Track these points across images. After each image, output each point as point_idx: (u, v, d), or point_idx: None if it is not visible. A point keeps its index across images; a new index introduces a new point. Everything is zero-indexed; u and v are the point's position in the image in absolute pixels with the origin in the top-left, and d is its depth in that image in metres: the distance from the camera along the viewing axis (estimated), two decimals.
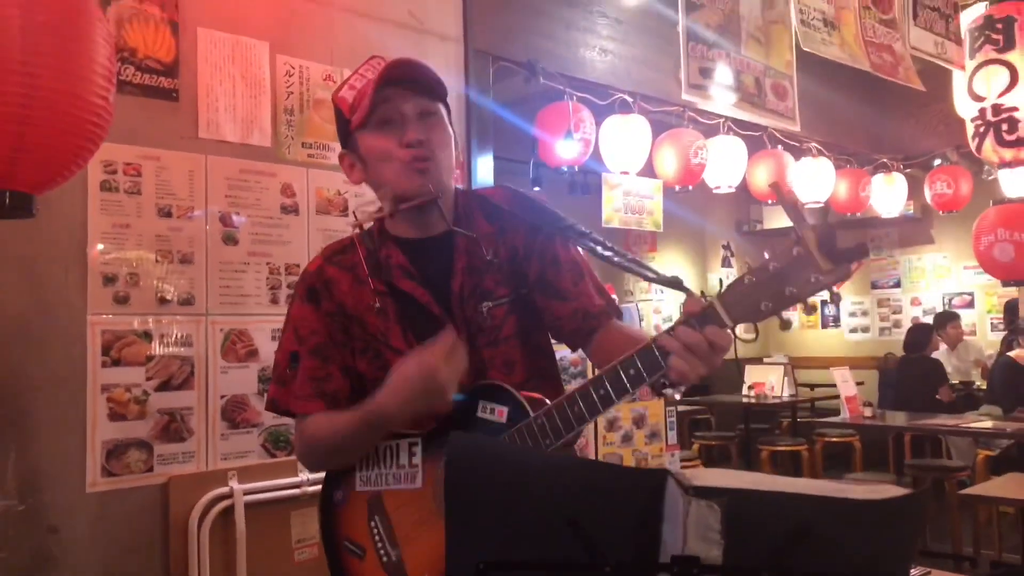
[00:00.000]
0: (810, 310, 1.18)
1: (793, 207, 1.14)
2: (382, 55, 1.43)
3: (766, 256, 1.15)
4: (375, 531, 1.47)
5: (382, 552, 1.45)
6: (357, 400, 1.48)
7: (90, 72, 1.60)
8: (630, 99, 4.02)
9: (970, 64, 4.31)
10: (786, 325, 1.18)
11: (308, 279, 1.55)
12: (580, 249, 1.57)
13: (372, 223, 1.56)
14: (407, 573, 1.43)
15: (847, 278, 1.13)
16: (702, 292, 1.24)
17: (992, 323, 8.26)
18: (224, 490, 2.49)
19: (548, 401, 1.36)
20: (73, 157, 1.66)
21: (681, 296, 1.27)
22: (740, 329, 1.21)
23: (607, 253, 1.46)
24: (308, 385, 1.49)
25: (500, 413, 1.38)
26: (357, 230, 1.55)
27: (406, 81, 1.46)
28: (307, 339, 1.51)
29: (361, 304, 1.50)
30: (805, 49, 3.54)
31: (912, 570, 1.69)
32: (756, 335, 1.23)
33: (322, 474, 2.64)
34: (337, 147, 2.82)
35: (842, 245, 1.10)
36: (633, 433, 3.87)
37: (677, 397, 1.27)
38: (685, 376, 1.22)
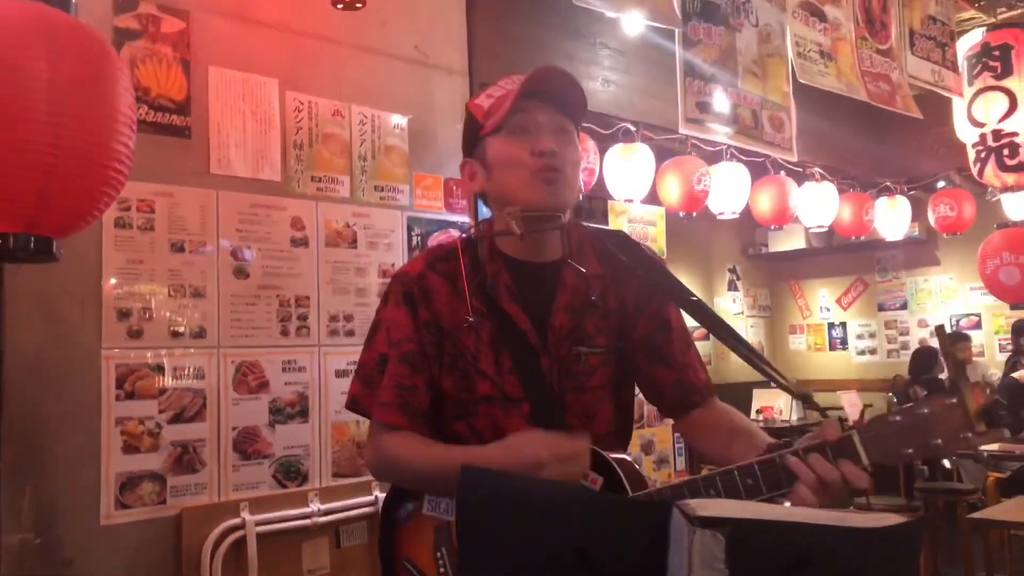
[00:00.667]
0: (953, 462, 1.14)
1: (956, 362, 1.13)
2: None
3: (922, 399, 1.13)
4: (440, 560, 1.41)
5: None
6: (436, 415, 1.45)
7: (113, 121, 1.65)
8: (633, 128, 4.08)
9: (968, 91, 4.37)
10: (921, 475, 1.16)
11: (407, 283, 1.47)
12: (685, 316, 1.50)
13: (475, 233, 1.51)
14: None
15: (998, 442, 1.12)
16: (840, 419, 1.22)
17: (1000, 344, 8.24)
18: (236, 521, 2.51)
19: (630, 461, 1.33)
20: (96, 203, 1.71)
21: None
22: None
23: (737, 345, 1.40)
24: (393, 393, 1.43)
25: (595, 482, 1.31)
26: (464, 235, 1.51)
27: (550, 92, 1.42)
28: (399, 344, 1.44)
29: (457, 319, 1.44)
30: (802, 81, 3.59)
31: None
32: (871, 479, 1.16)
33: (334, 504, 2.68)
34: (346, 180, 2.92)
35: (1000, 411, 1.09)
36: (641, 459, 3.88)
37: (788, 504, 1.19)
38: (807, 503, 1.13)
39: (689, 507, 0.89)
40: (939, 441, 1.09)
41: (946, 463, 6.34)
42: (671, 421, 4.06)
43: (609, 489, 1.30)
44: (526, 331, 1.42)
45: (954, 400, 1.09)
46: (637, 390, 1.58)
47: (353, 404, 1.49)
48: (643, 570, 0.89)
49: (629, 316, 1.49)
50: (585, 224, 1.55)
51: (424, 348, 1.44)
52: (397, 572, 1.48)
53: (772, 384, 1.29)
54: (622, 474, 1.31)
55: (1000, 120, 4.19)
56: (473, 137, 1.48)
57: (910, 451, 1.11)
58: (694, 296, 1.46)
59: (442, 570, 1.41)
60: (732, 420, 1.46)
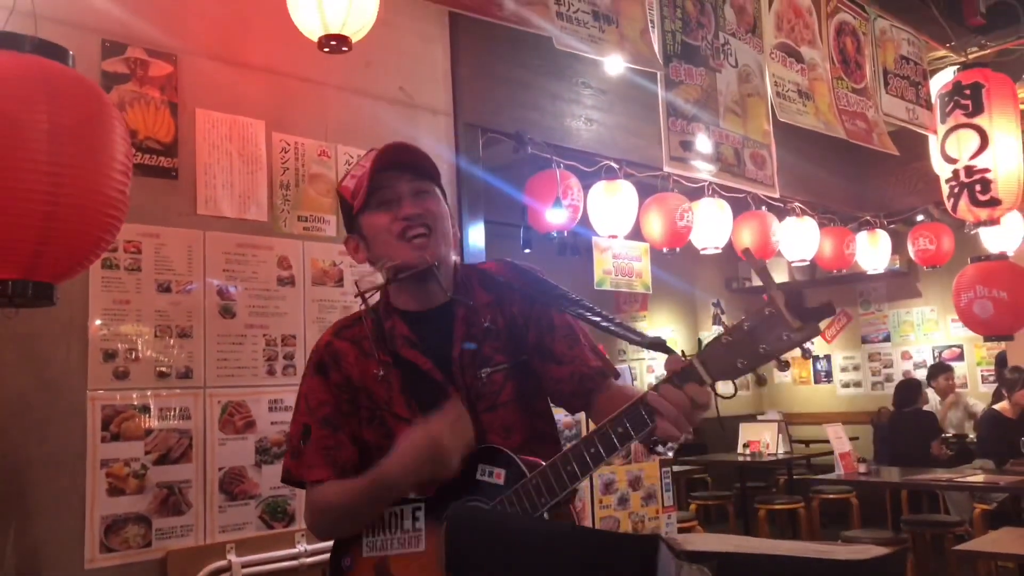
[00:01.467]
0: (783, 366, 1.25)
1: (762, 270, 1.22)
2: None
3: (742, 317, 1.23)
4: None
5: None
6: (365, 469, 1.53)
7: (110, 169, 1.69)
8: (616, 165, 4.13)
9: (942, 128, 4.46)
10: (762, 381, 1.26)
11: (318, 353, 1.63)
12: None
13: (378, 298, 1.65)
14: None
15: (816, 335, 1.19)
16: (683, 352, 1.31)
17: (983, 375, 8.32)
18: (222, 563, 2.49)
19: (544, 463, 1.41)
20: (93, 248, 1.74)
21: (676, 350, 1.34)
22: (720, 387, 1.28)
23: (595, 319, 1.54)
24: (319, 455, 1.55)
25: (498, 476, 1.44)
26: (363, 306, 1.63)
27: (400, 164, 1.57)
28: (316, 410, 1.58)
29: (367, 375, 1.58)
30: (782, 120, 3.66)
31: None
32: (735, 391, 1.30)
33: (321, 544, 2.65)
34: (332, 219, 2.94)
35: (811, 304, 1.19)
36: (629, 495, 3.87)
37: (669, 455, 1.34)
38: (670, 433, 1.28)
39: (675, 541, 0.90)
40: (766, 347, 1.19)
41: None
42: (657, 456, 4.07)
43: (511, 477, 1.42)
44: (428, 370, 1.56)
45: (767, 309, 1.19)
46: None
47: (286, 476, 1.62)
48: None
49: (519, 329, 1.62)
50: (467, 264, 1.70)
51: (340, 407, 1.58)
52: None
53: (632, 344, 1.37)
54: (520, 463, 1.43)
55: (972, 157, 4.27)
56: (348, 216, 1.63)
57: (744, 362, 1.22)
58: (572, 295, 1.57)
59: None
60: (628, 394, 1.52)
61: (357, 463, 1.56)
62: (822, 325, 1.21)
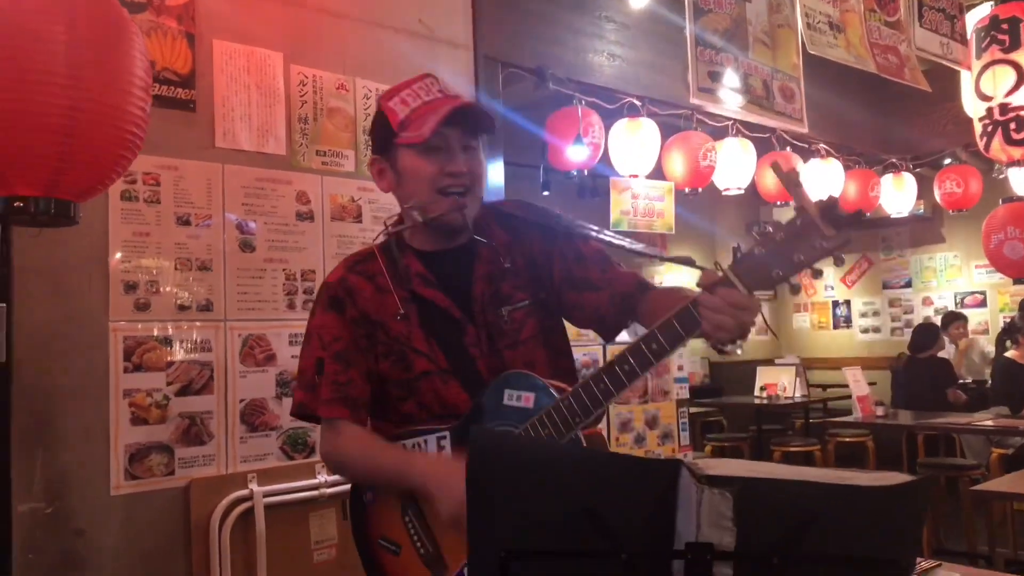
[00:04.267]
0: (817, 274, 1.24)
1: (794, 181, 1.20)
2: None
3: (769, 229, 1.22)
4: (410, 525, 1.50)
5: (419, 545, 1.49)
6: (380, 400, 1.55)
7: (130, 84, 1.66)
8: (638, 103, 4.05)
9: (976, 64, 4.33)
10: (796, 290, 1.25)
11: (330, 289, 1.60)
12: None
13: (390, 235, 1.62)
14: (446, 563, 1.46)
15: (849, 243, 1.18)
16: (716, 263, 1.31)
17: (1004, 322, 8.24)
18: (244, 492, 2.53)
19: (566, 386, 1.41)
20: (114, 166, 1.72)
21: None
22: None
23: (620, 243, 1.54)
24: (332, 389, 1.54)
25: (527, 399, 1.44)
26: (379, 240, 1.61)
27: (463, 121, 1.52)
28: (330, 345, 1.56)
29: (384, 311, 1.56)
30: (811, 52, 3.56)
31: (924, 562, 1.71)
32: (775, 295, 1.28)
33: (339, 476, 2.68)
34: (351, 154, 2.91)
35: (841, 212, 1.18)
36: (646, 434, 3.90)
37: (739, 352, 1.35)
38: (714, 333, 1.27)
39: (697, 466, 0.89)
40: (801, 256, 1.19)
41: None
42: (675, 396, 4.08)
43: (540, 401, 1.42)
44: (446, 307, 1.55)
45: (798, 219, 1.19)
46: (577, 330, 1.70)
47: (299, 410, 1.60)
48: (652, 529, 0.89)
49: (540, 267, 1.60)
50: (484, 203, 1.65)
51: (356, 342, 1.55)
52: (376, 553, 1.56)
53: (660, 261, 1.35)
54: (550, 386, 1.43)
55: (1007, 94, 4.16)
56: (385, 139, 1.57)
57: (780, 272, 1.22)
58: (588, 225, 1.57)
59: (413, 533, 1.50)
60: (671, 294, 1.51)
61: (369, 399, 1.56)
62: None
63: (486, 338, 1.54)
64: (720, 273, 1.27)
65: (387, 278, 1.57)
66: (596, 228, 1.58)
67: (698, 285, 1.30)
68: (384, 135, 1.57)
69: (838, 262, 1.22)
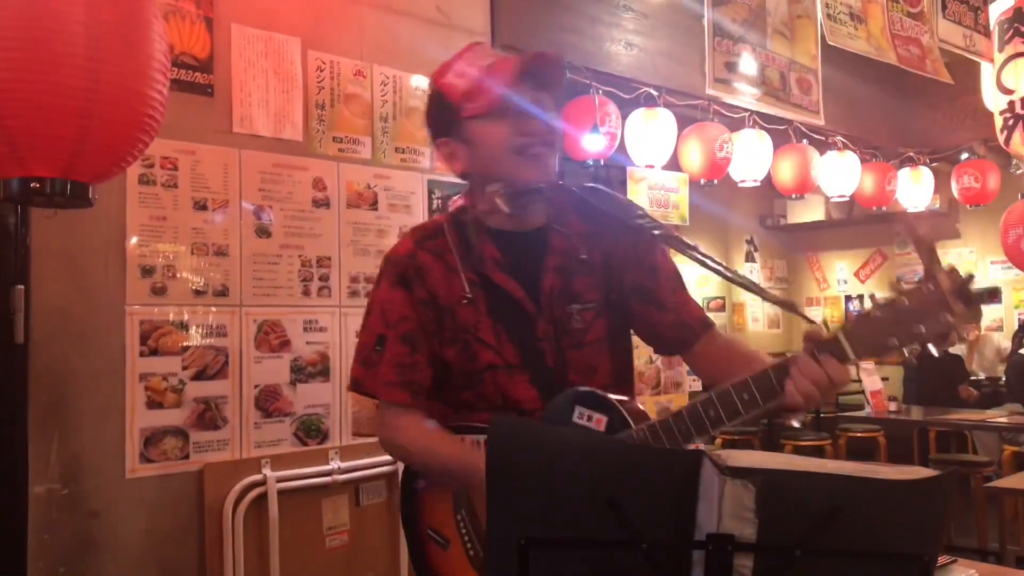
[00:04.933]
0: (942, 348, 1.16)
1: (928, 249, 1.15)
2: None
3: (893, 295, 1.16)
4: (462, 525, 1.45)
5: (469, 546, 1.44)
6: (441, 386, 1.49)
7: (148, 68, 1.66)
8: (655, 93, 4.03)
9: (999, 57, 4.28)
10: (908, 361, 1.21)
11: (399, 264, 1.50)
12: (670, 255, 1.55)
13: (460, 208, 1.53)
14: None
15: (977, 320, 1.13)
16: (824, 321, 1.25)
17: (1020, 319, 8.17)
18: (258, 477, 2.55)
19: (639, 407, 1.36)
20: (130, 148, 1.72)
21: (707, 287, 1.29)
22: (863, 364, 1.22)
23: (715, 266, 1.42)
24: (394, 371, 1.47)
25: (599, 422, 1.36)
26: (447, 214, 1.53)
27: (532, 73, 1.42)
28: (397, 324, 1.47)
29: (452, 294, 1.47)
30: (831, 43, 3.53)
31: (939, 558, 1.70)
32: (858, 372, 1.22)
33: (354, 462, 2.70)
34: (367, 141, 2.91)
35: (975, 288, 1.13)
36: None
37: (796, 424, 1.29)
38: (799, 405, 1.20)
39: (719, 457, 0.89)
40: (921, 328, 1.13)
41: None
42: (688, 388, 4.07)
43: (612, 426, 1.35)
44: (520, 299, 1.45)
45: (930, 286, 1.12)
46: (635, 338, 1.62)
47: (356, 385, 1.53)
48: (673, 520, 0.89)
49: (616, 267, 1.51)
50: (563, 185, 1.53)
51: (424, 325, 1.47)
52: (423, 542, 1.51)
53: (761, 299, 1.32)
54: (624, 412, 1.36)
55: None
56: (448, 118, 1.47)
57: (895, 341, 1.15)
58: (665, 231, 1.48)
59: (464, 532, 1.45)
60: (738, 349, 1.48)
61: (431, 385, 1.49)
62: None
63: (552, 334, 1.45)
64: (829, 333, 1.19)
65: (456, 257, 1.47)
66: (692, 244, 1.45)
67: (804, 341, 1.22)
68: (446, 115, 1.47)
69: (963, 340, 1.17)
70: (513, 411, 1.44)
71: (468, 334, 1.46)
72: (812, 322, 1.24)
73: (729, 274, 1.42)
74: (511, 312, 1.46)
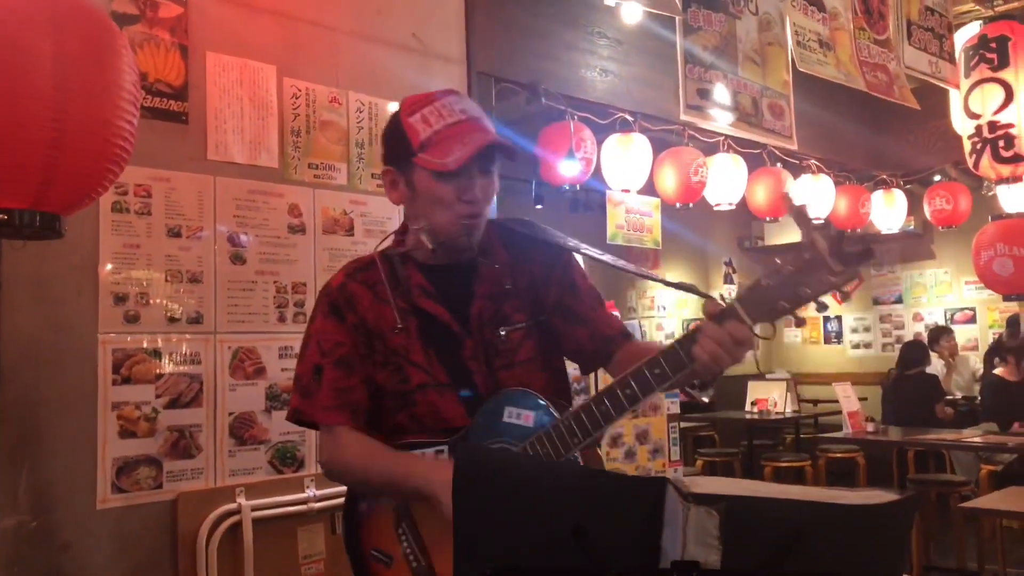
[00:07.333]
0: (822, 307, 1.26)
1: (801, 214, 1.23)
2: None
3: (777, 261, 1.24)
4: (403, 537, 1.50)
5: (411, 558, 1.49)
6: (375, 410, 1.56)
7: (117, 98, 1.66)
8: (630, 118, 4.07)
9: (965, 83, 4.38)
10: (800, 323, 1.28)
11: (331, 295, 1.60)
12: (583, 262, 1.67)
13: (390, 244, 1.63)
14: None
15: (856, 278, 1.21)
16: (721, 296, 1.33)
17: (994, 338, 8.27)
18: (232, 506, 2.52)
19: (569, 406, 1.44)
20: (100, 179, 1.72)
21: (686, 309, 1.36)
22: (758, 329, 1.30)
23: (621, 265, 1.57)
24: (332, 395, 1.54)
25: (527, 418, 1.46)
26: (376, 250, 1.62)
27: (494, 157, 1.53)
28: (331, 352, 1.55)
29: (382, 321, 1.56)
30: (801, 69, 3.59)
31: None
32: (774, 332, 1.32)
33: (330, 490, 2.68)
34: (343, 167, 2.92)
35: (849, 248, 1.20)
36: (636, 449, 3.89)
37: (706, 400, 1.40)
38: (708, 365, 1.29)
39: (683, 484, 0.89)
40: (807, 289, 1.23)
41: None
42: (666, 411, 4.08)
43: (540, 420, 1.45)
44: (446, 321, 1.55)
45: (807, 253, 1.21)
46: None
47: (295, 415, 1.60)
48: (638, 546, 0.89)
49: (539, 289, 1.62)
50: (491, 220, 1.64)
51: (357, 348, 1.56)
52: (367, 563, 1.55)
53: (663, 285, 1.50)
54: (551, 406, 1.47)
55: (996, 112, 4.20)
56: (402, 153, 1.53)
57: (784, 304, 1.25)
58: (589, 248, 1.61)
59: (405, 544, 1.50)
60: (651, 345, 1.56)
61: (368, 406, 1.56)
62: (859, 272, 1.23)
63: (483, 355, 1.55)
64: (725, 304, 1.29)
65: (387, 288, 1.57)
66: (598, 252, 1.60)
67: (704, 313, 1.32)
68: (402, 150, 1.54)
69: (845, 298, 1.24)
70: (445, 431, 1.51)
71: (400, 357, 1.55)
72: (710, 298, 1.34)
73: (620, 264, 1.57)
74: (439, 334, 1.55)
